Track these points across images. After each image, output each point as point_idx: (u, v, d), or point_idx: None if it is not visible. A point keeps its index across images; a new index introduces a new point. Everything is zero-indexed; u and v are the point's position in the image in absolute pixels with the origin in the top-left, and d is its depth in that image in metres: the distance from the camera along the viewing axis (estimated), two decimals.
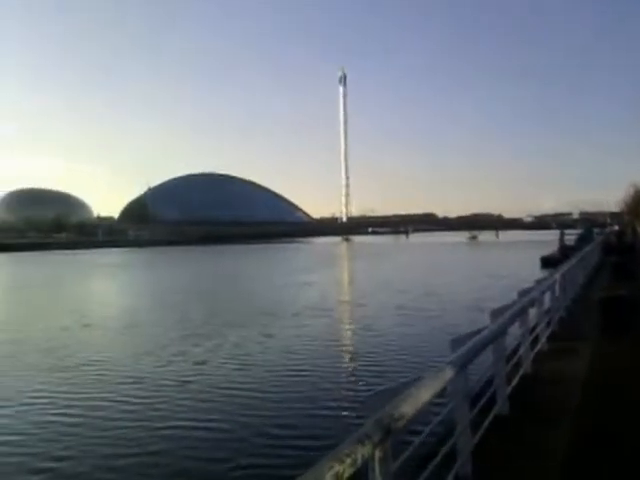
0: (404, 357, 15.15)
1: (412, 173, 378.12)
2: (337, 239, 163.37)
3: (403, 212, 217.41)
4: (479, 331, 5.03)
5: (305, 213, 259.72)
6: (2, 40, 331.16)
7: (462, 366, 3.88)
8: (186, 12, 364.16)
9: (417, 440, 3.62)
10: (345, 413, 10.66)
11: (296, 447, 9.02)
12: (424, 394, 3.02)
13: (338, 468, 2.08)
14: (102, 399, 12.04)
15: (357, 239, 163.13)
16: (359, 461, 2.26)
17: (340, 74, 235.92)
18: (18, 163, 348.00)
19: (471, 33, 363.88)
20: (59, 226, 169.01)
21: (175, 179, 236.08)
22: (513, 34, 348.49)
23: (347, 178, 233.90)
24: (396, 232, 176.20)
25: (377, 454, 2.55)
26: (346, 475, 2.12)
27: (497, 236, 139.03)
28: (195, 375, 13.97)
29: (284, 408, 11.08)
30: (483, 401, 5.17)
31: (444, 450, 3.82)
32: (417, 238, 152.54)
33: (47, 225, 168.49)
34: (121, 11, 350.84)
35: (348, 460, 2.16)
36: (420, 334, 18.59)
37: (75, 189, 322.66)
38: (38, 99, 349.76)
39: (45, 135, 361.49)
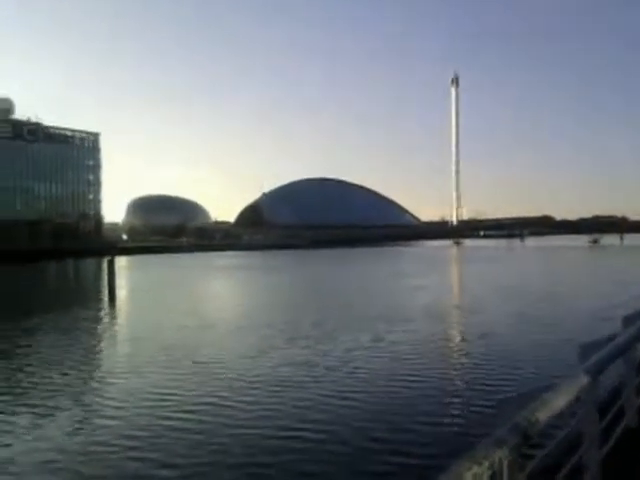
0: (522, 366, 14.64)
1: (526, 174, 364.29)
2: (447, 242, 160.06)
3: (517, 215, 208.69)
4: (609, 338, 4.82)
5: (414, 217, 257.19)
6: (122, 55, 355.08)
7: (595, 374, 3.76)
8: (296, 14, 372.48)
9: (547, 447, 3.56)
10: (461, 419, 10.50)
11: (413, 452, 8.98)
12: (559, 401, 2.98)
13: (477, 470, 2.11)
14: (214, 399, 12.30)
15: (468, 243, 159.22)
16: (496, 464, 2.28)
17: (452, 76, 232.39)
18: (143, 171, 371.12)
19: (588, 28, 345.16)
20: (180, 230, 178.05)
21: (289, 184, 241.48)
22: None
23: (458, 180, 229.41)
24: (510, 235, 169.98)
25: (510, 459, 2.54)
26: (485, 477, 2.15)
27: (621, 239, 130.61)
28: (305, 377, 14.13)
29: (398, 415, 11.01)
30: (612, 412, 4.95)
31: (572, 460, 3.72)
32: (533, 242, 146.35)
33: (170, 229, 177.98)
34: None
35: (486, 463, 2.19)
36: (538, 342, 17.87)
37: (194, 195, 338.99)
38: (161, 111, 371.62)
39: (167, 144, 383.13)
